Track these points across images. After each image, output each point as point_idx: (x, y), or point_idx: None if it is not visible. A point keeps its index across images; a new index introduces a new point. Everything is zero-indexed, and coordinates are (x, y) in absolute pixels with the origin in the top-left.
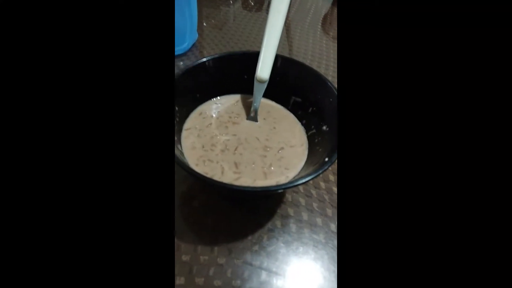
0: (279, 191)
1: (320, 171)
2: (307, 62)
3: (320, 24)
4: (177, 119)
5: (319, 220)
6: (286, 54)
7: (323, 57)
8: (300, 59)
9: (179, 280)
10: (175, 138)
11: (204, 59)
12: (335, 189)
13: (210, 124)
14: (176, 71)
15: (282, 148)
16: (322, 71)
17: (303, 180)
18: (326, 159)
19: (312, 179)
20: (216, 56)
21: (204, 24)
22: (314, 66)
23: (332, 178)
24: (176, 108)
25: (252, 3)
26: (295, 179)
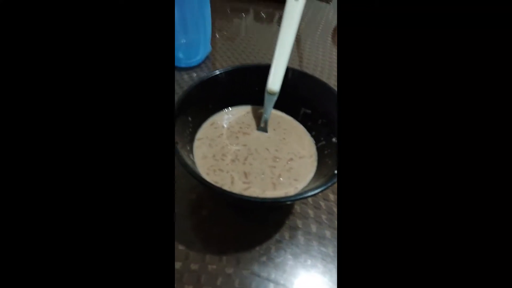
0: (288, 202)
1: (330, 184)
2: (316, 74)
3: (330, 36)
4: (190, 129)
5: (327, 233)
6: (296, 66)
7: (332, 69)
8: (310, 71)
9: None
10: (187, 148)
11: (217, 72)
12: None
13: (222, 134)
14: (190, 82)
15: (291, 159)
16: (331, 83)
17: (312, 193)
18: (336, 172)
19: (321, 191)
20: (229, 68)
21: (217, 36)
22: (324, 78)
23: None
24: (189, 119)
25: (264, 16)
26: (304, 191)
